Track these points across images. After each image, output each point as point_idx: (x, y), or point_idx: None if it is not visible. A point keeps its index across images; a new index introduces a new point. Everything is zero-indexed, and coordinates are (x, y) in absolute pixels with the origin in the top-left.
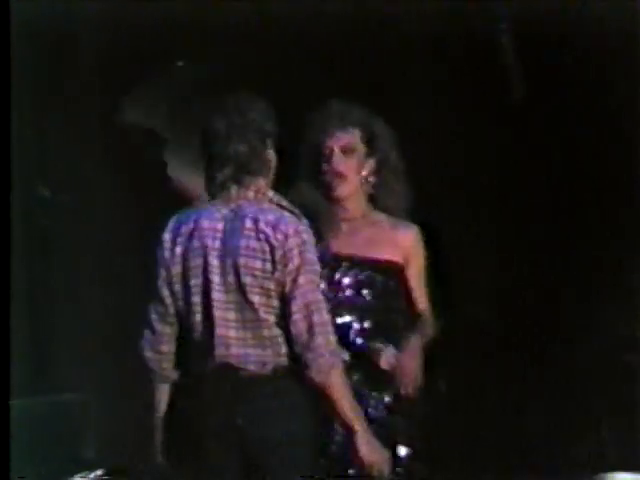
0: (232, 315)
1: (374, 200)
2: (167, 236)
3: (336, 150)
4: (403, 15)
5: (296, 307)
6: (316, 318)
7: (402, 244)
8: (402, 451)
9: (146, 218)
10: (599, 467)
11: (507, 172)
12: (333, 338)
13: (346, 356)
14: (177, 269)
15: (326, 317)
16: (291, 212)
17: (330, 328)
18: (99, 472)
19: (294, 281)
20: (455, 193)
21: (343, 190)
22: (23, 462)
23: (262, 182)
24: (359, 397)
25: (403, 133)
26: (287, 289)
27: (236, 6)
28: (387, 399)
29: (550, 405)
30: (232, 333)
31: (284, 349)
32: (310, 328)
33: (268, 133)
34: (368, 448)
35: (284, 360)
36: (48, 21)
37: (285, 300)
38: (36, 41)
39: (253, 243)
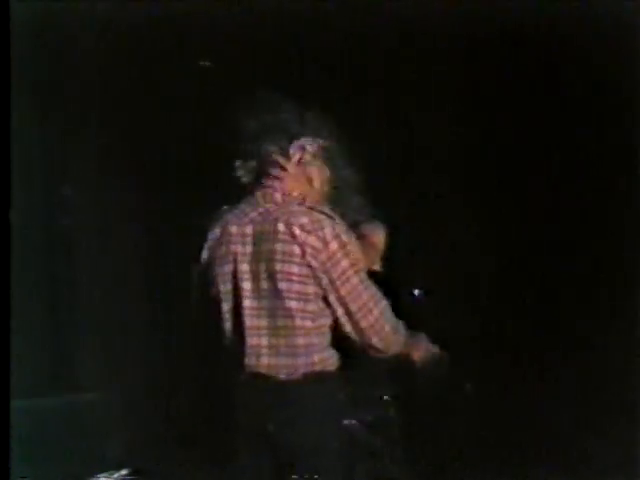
0: (264, 322)
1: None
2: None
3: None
4: (402, 14)
5: (355, 308)
6: (376, 312)
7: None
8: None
9: (166, 218)
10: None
11: (507, 172)
12: (392, 318)
13: (402, 327)
14: (206, 276)
15: (383, 304)
16: (323, 213)
17: (388, 312)
18: (124, 471)
19: (345, 284)
20: (454, 194)
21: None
22: (44, 461)
23: (288, 184)
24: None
25: (402, 132)
26: (342, 292)
27: (236, 5)
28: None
29: (566, 405)
30: (264, 341)
31: (316, 357)
32: (373, 325)
33: (296, 134)
34: (421, 355)
35: (315, 367)
36: (48, 21)
37: (339, 303)
38: (36, 41)
39: (289, 248)
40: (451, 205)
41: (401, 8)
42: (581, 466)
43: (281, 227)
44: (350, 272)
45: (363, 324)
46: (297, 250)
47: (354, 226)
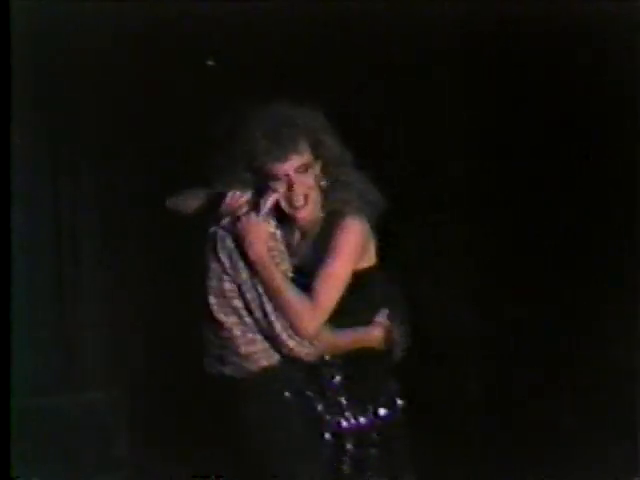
0: (219, 333)
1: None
2: None
3: (292, 174)
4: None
5: (260, 315)
6: (278, 327)
7: None
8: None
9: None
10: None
11: (507, 174)
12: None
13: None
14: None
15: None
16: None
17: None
18: (127, 471)
19: (249, 291)
20: (453, 195)
21: (304, 212)
22: (49, 462)
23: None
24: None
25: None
26: (248, 298)
27: (236, 5)
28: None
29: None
30: (216, 352)
31: (264, 362)
32: (275, 338)
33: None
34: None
35: (268, 368)
36: (48, 21)
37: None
38: (36, 41)
39: (214, 264)
40: (449, 208)
41: (402, 9)
42: (583, 467)
43: (224, 242)
44: (254, 280)
45: (268, 334)
46: (224, 266)
47: (335, 219)
